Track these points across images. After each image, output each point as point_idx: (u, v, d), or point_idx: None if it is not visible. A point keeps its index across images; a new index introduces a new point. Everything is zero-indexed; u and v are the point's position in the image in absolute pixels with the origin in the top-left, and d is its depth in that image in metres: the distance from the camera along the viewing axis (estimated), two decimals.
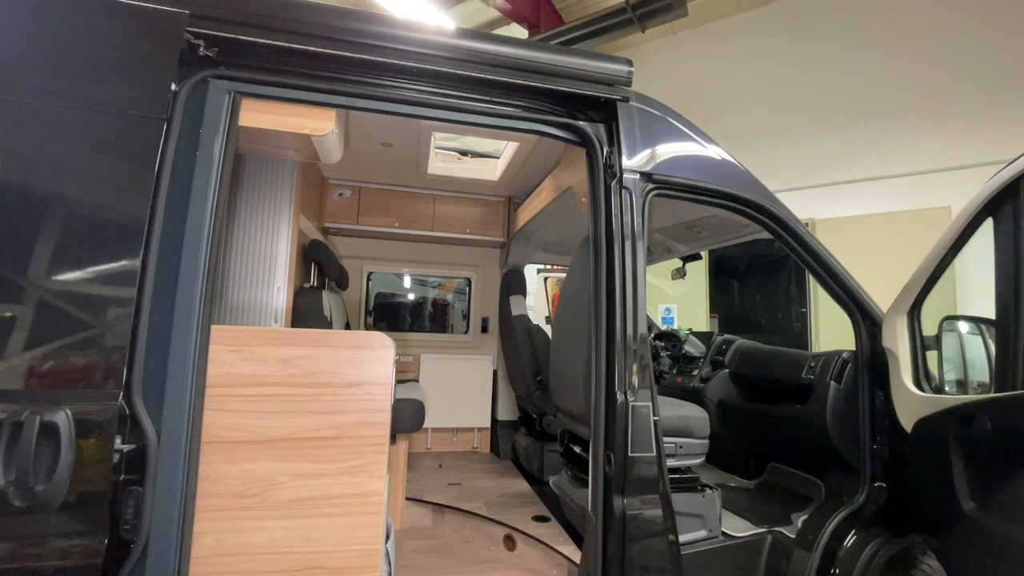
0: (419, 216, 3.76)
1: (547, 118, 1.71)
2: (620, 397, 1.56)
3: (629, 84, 1.76)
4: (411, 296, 4.70)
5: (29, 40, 1.24)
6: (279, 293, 2.46)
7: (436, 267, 4.28)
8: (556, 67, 1.66)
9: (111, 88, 1.27)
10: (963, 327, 1.96)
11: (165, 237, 1.29)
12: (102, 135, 1.25)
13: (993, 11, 4.69)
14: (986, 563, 1.45)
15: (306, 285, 2.97)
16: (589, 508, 1.64)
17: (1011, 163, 1.52)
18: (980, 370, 1.85)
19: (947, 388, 1.86)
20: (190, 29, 1.36)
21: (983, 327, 1.89)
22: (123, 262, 1.23)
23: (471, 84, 1.63)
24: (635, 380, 1.59)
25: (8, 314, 1.15)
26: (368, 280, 4.17)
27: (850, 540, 1.86)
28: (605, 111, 1.75)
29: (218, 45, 1.42)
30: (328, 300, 2.90)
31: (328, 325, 2.78)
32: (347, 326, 3.72)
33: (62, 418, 1.11)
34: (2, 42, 1.23)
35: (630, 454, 1.54)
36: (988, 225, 1.62)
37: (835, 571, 1.83)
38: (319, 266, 3.08)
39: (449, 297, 4.78)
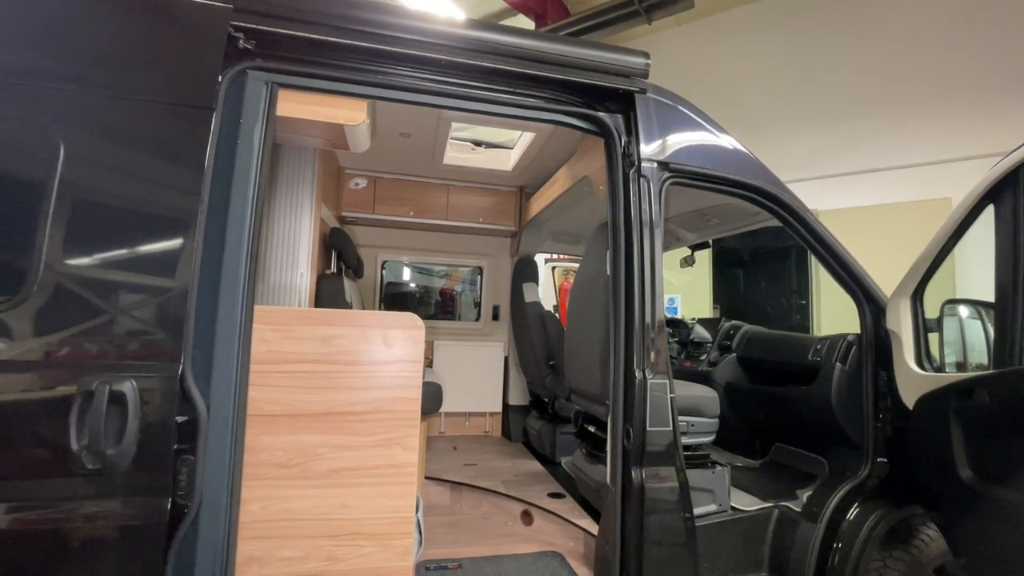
0: (433, 205, 3.82)
1: (567, 108, 1.77)
2: (639, 375, 1.65)
3: (646, 76, 1.82)
4: (423, 284, 4.78)
5: (92, 35, 1.32)
6: (302, 279, 2.53)
7: (449, 256, 4.35)
8: (577, 60, 1.72)
9: (165, 79, 1.34)
10: (963, 311, 2.05)
11: (212, 223, 1.36)
12: (156, 126, 1.32)
13: (996, 3, 4.72)
14: (983, 527, 1.54)
15: (327, 272, 3.05)
16: (608, 480, 1.73)
17: (1012, 152, 1.59)
18: (979, 352, 1.93)
19: (947, 369, 1.95)
20: (232, 23, 1.43)
21: (982, 310, 1.98)
22: (178, 245, 1.30)
23: (496, 76, 1.69)
24: (652, 359, 1.67)
25: (80, 295, 1.23)
26: (382, 268, 4.24)
27: (853, 512, 1.96)
28: (623, 102, 1.81)
29: (256, 38, 1.47)
30: (348, 286, 2.98)
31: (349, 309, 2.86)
32: None
33: (128, 388, 1.19)
34: (74, 37, 1.30)
35: (648, 428, 1.63)
36: (988, 213, 1.70)
37: (839, 542, 1.93)
38: (338, 253, 3.16)
39: (459, 287, 4.85)
